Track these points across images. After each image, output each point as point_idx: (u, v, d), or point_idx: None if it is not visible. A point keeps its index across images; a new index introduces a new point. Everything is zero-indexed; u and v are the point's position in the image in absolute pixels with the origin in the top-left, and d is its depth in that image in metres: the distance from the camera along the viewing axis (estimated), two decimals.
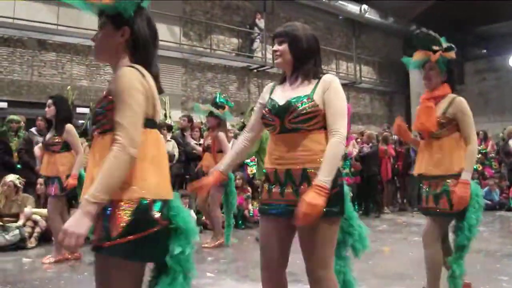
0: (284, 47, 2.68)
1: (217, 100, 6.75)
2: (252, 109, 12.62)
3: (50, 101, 5.69)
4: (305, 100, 2.56)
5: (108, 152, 1.89)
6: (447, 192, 3.55)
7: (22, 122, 8.09)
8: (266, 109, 2.69)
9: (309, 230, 2.52)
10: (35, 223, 6.72)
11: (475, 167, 10.50)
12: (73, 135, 5.60)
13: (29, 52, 11.75)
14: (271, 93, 2.76)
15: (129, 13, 2.10)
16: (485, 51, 20.82)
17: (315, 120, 2.55)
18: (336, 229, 2.59)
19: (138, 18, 2.13)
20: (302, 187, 2.52)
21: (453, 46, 3.68)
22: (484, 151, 11.29)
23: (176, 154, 8.86)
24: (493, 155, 11.59)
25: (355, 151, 10.40)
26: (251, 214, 9.04)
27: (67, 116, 5.70)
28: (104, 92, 2.06)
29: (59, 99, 5.84)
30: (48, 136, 5.74)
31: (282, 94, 2.69)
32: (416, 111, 3.83)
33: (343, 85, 15.33)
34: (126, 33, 2.11)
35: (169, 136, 9.03)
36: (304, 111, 2.53)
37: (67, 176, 5.59)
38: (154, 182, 1.97)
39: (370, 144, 10.64)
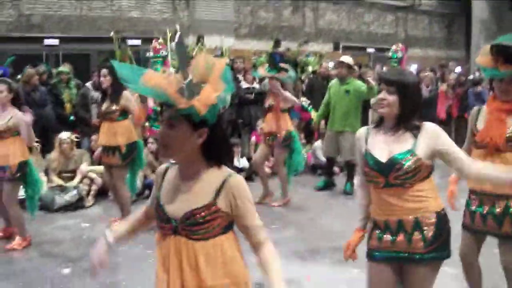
0: (394, 98, 2.56)
1: (277, 62, 6.50)
2: (300, 44, 12.16)
3: (105, 70, 5.60)
4: (409, 156, 2.54)
5: (216, 259, 1.98)
6: (510, 214, 3.23)
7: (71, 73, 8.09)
8: (367, 167, 2.66)
9: (415, 276, 2.66)
10: (91, 180, 6.84)
11: None
12: (130, 99, 5.62)
13: None
14: (366, 140, 2.72)
15: (214, 120, 1.95)
16: None
17: (420, 174, 2.56)
18: (437, 271, 2.70)
19: (218, 119, 1.99)
20: (415, 236, 2.60)
21: None
22: None
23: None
24: None
25: None
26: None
27: (123, 84, 5.61)
28: (201, 204, 1.98)
29: (113, 68, 5.73)
30: (105, 105, 5.72)
31: (382, 147, 2.64)
32: (485, 120, 3.37)
33: (401, 7, 14.59)
34: (204, 135, 1.95)
35: None
36: (410, 169, 2.53)
37: (127, 145, 5.64)
38: None
39: (430, 88, 9.87)
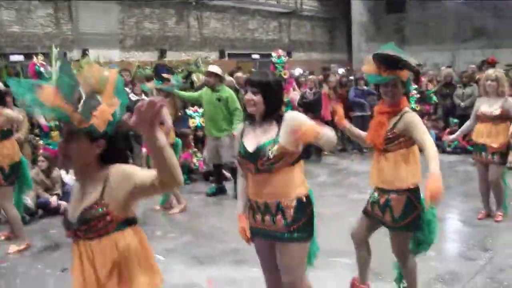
0: (258, 98, 2.92)
1: (161, 73, 6.74)
2: (202, 61, 12.40)
3: None
4: (271, 145, 2.87)
5: (111, 256, 2.05)
6: (389, 207, 3.60)
7: None
8: (239, 156, 3.03)
9: (284, 253, 3.02)
10: None
11: (413, 106, 10.79)
12: (5, 114, 5.50)
13: None
14: (242, 135, 3.07)
15: (111, 131, 2.08)
16: None
17: (283, 160, 2.88)
18: (306, 250, 3.06)
19: (116, 130, 2.12)
20: (278, 217, 2.97)
21: (420, 63, 3.70)
22: (420, 90, 11.36)
23: None
24: (432, 89, 11.52)
25: (297, 96, 10.36)
26: (196, 167, 9.19)
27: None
28: (90, 202, 2.07)
29: None
30: None
31: (252, 139, 2.99)
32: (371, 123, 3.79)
33: (284, 13, 15.30)
34: (102, 145, 2.09)
35: None
36: (272, 156, 2.86)
37: (10, 166, 5.56)
38: None
39: (313, 90, 10.38)
